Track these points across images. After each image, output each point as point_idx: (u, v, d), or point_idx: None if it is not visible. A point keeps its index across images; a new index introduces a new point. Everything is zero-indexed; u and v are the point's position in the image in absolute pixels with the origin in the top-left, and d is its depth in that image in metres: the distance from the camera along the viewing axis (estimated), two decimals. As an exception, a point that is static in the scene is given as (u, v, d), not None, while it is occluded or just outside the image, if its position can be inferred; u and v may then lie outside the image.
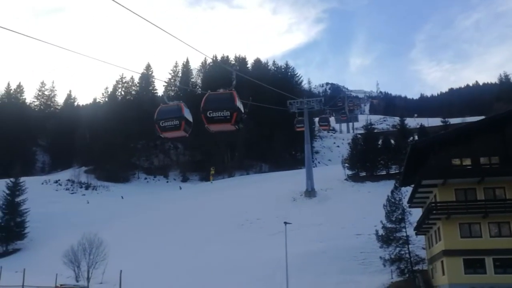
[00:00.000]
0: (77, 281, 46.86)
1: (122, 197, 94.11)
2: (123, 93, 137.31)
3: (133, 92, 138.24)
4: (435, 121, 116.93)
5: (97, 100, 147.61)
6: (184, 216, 72.66)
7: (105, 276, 46.85)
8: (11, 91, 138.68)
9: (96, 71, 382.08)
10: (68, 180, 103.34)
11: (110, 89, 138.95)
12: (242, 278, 44.89)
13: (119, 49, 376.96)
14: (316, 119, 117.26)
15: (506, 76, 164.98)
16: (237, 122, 14.81)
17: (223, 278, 45.64)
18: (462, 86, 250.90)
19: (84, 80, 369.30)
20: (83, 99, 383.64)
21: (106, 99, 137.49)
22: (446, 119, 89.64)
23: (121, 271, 43.61)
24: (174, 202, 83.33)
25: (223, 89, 15.20)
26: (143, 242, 62.21)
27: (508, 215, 34.21)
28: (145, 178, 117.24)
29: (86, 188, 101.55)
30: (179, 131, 15.49)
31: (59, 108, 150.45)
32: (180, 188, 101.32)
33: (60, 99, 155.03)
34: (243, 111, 15.20)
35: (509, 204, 34.63)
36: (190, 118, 15.70)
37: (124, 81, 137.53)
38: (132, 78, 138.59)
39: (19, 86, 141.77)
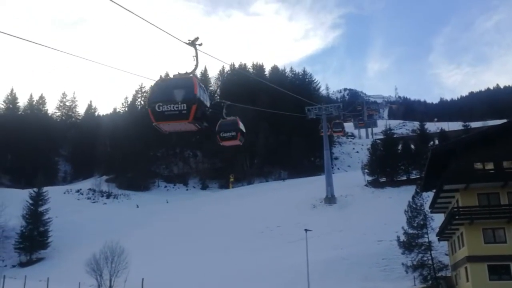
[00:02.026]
0: (100, 289, 47.29)
1: (137, 206, 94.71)
2: (142, 102, 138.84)
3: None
4: (456, 125, 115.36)
5: (117, 110, 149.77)
6: (204, 223, 72.92)
7: (127, 285, 47.15)
8: (34, 103, 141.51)
9: (116, 81, 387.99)
10: (90, 189, 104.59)
11: (130, 99, 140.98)
12: (263, 285, 44.79)
13: (138, 59, 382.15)
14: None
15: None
16: (198, 118, 11.85)
17: (244, 285, 45.58)
18: (483, 89, 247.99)
19: (104, 91, 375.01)
20: (103, 109, 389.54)
21: (126, 109, 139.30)
22: (467, 123, 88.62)
23: (143, 279, 43.96)
24: (194, 210, 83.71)
25: (179, 73, 12.21)
26: (164, 250, 62.58)
27: (533, 219, 33.55)
28: (165, 186, 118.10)
29: (107, 197, 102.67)
30: (236, 140, 19.20)
31: (80, 118, 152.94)
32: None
33: (81, 110, 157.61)
34: (207, 104, 12.27)
35: (534, 209, 33.97)
36: (243, 129, 19.40)
37: (143, 90, 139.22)
38: (151, 87, 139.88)
39: (41, 97, 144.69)
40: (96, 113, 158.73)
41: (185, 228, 71.73)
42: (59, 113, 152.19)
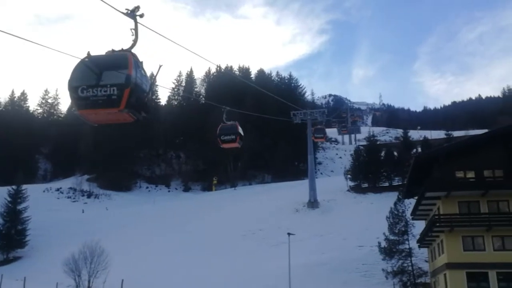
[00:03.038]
0: (78, 290, 46.62)
1: (106, 209, 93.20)
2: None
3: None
4: (438, 134, 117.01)
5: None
6: (185, 226, 72.44)
7: (106, 286, 46.59)
8: (15, 99, 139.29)
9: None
10: (70, 188, 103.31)
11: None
12: (243, 289, 44.65)
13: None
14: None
15: (510, 89, 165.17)
16: (133, 107, 9.60)
17: (225, 288, 45.39)
18: (465, 99, 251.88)
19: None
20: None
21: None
22: (450, 132, 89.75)
23: (122, 280, 43.46)
24: (176, 212, 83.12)
25: (113, 50, 9.96)
26: (145, 251, 61.96)
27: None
28: (147, 187, 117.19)
29: (88, 197, 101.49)
30: (235, 143, 20.18)
31: (62, 116, 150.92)
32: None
33: (63, 107, 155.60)
34: (146, 90, 10.03)
35: (513, 218, 34.50)
36: (242, 133, 20.35)
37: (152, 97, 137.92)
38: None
39: (23, 93, 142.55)
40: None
41: (166, 230, 71.14)
42: (40, 110, 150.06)
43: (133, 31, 9.83)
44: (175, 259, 57.42)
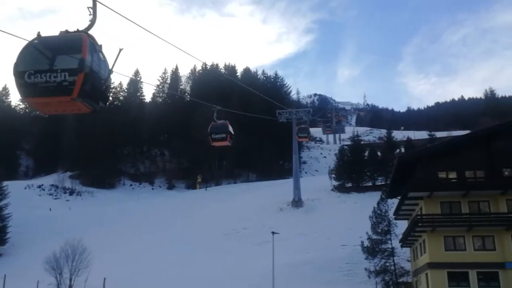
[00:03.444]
0: (59, 288, 46.12)
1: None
2: (111, 98, 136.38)
3: (121, 98, 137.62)
4: (422, 134, 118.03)
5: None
6: (169, 224, 72.13)
7: (88, 284, 46.15)
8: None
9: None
10: (52, 185, 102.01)
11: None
12: (228, 287, 44.62)
13: (107, 54, 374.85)
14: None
15: (492, 91, 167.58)
16: (88, 95, 8.55)
17: (208, 287, 45.30)
18: (448, 100, 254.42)
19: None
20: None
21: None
22: (433, 133, 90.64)
23: (104, 278, 43.10)
24: (159, 210, 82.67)
25: (67, 31, 8.88)
26: (128, 249, 61.53)
27: (492, 228, 34.63)
28: (131, 185, 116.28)
29: (70, 194, 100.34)
30: (226, 141, 20.70)
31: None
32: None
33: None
34: (103, 76, 9.04)
35: (493, 218, 35.11)
36: (232, 131, 20.79)
37: (112, 86, 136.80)
38: (120, 83, 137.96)
39: (4, 88, 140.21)
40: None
41: (149, 228, 70.73)
42: (23, 106, 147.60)
43: (91, 10, 8.76)
44: (157, 257, 57.10)
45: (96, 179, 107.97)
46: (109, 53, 9.15)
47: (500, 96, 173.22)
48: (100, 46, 9.05)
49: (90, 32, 8.85)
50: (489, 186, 35.55)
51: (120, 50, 9.08)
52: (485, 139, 37.74)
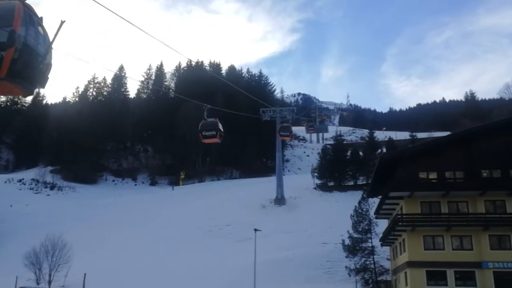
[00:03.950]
0: (38, 283, 45.72)
1: (173, 189, 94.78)
2: (94, 93, 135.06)
3: (104, 93, 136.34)
4: (403, 135, 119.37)
5: (67, 100, 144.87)
6: (152, 220, 71.83)
7: (67, 280, 45.85)
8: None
9: (68, 70, 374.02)
10: (33, 179, 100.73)
11: (81, 89, 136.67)
12: (209, 284, 44.74)
13: (92, 49, 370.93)
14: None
15: (472, 94, 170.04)
16: (21, 75, 7.29)
17: (190, 283, 45.34)
18: (430, 101, 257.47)
19: (54, 78, 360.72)
20: (52, 97, 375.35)
21: (77, 99, 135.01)
22: (414, 133, 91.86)
23: (85, 274, 42.82)
24: (142, 206, 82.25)
25: None
26: (109, 245, 61.16)
27: (470, 228, 35.33)
28: (113, 180, 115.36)
29: (51, 188, 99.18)
30: (215, 138, 21.44)
31: (26, 105, 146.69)
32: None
33: (28, 97, 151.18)
34: (41, 54, 7.67)
35: (471, 218, 35.81)
36: (222, 129, 21.51)
37: (96, 81, 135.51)
38: (104, 78, 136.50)
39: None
40: (44, 101, 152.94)
41: (132, 224, 70.39)
42: (3, 99, 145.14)
43: None
44: (139, 253, 56.92)
45: (78, 174, 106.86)
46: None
47: (480, 98, 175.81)
48: (41, 18, 7.92)
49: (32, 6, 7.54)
50: (468, 187, 36.26)
51: (62, 22, 7.83)
52: (465, 141, 38.44)
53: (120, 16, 10.09)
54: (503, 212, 35.77)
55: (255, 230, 42.99)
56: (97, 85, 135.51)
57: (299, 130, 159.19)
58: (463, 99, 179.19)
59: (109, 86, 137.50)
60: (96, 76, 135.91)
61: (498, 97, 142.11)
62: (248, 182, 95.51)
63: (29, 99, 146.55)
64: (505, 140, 37.31)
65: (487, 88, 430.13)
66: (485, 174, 37.26)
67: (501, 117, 57.45)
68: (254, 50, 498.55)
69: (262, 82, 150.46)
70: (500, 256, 34.33)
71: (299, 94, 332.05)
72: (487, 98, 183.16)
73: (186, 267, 50.08)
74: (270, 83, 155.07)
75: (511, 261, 34.11)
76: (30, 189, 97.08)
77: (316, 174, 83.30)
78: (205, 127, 21.64)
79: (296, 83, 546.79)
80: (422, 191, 36.86)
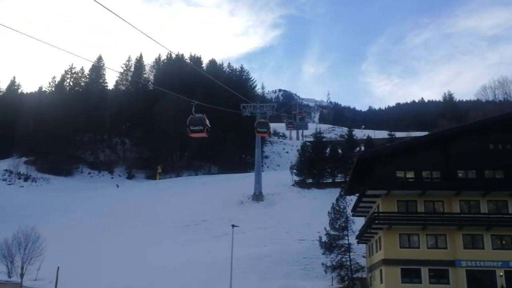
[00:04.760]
0: (10, 277, 44.73)
1: (117, 186, 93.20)
2: (71, 83, 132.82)
3: (82, 84, 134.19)
4: (382, 134, 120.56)
5: (43, 89, 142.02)
6: (128, 214, 71.04)
7: (40, 273, 45.02)
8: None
9: (44, 58, 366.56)
10: (6, 170, 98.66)
11: (58, 79, 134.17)
12: (185, 279, 44.47)
13: (70, 38, 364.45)
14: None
15: (450, 95, 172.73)
16: None
17: (166, 278, 44.99)
18: (409, 101, 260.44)
19: (30, 67, 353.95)
20: (28, 86, 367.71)
21: (53, 89, 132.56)
22: (392, 132, 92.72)
23: (58, 267, 42.03)
24: (118, 200, 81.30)
25: None
26: (84, 239, 60.25)
27: (445, 227, 35.84)
28: (89, 173, 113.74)
29: (25, 180, 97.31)
30: (203, 133, 22.23)
31: (1, 94, 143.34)
32: (117, 186, 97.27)
33: (2, 85, 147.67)
34: None
35: (446, 218, 36.32)
36: (209, 124, 22.41)
37: (73, 71, 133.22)
38: (82, 69, 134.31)
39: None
40: (20, 90, 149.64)
41: (107, 218, 69.48)
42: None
43: None
44: (114, 247, 56.23)
45: (53, 166, 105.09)
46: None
47: (458, 99, 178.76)
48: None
49: None
50: (444, 187, 36.77)
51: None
52: (442, 141, 38.93)
53: (100, 4, 9.78)
54: (477, 212, 36.40)
55: (233, 226, 42.86)
56: (74, 75, 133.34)
57: (279, 127, 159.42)
58: (441, 100, 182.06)
59: (87, 76, 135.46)
60: (73, 66, 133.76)
61: (475, 99, 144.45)
62: (226, 178, 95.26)
63: (3, 87, 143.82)
64: (481, 141, 37.94)
65: (465, 89, 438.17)
66: (460, 175, 37.80)
67: (478, 118, 58.40)
68: (236, 45, 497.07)
69: (243, 77, 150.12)
70: (472, 255, 34.94)
71: (280, 90, 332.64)
72: (464, 100, 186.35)
73: (162, 262, 49.64)
74: (251, 79, 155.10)
75: (483, 260, 34.75)
76: (3, 180, 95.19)
77: (295, 171, 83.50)
78: (192, 122, 22.36)
79: (277, 79, 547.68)
80: (399, 190, 37.21)
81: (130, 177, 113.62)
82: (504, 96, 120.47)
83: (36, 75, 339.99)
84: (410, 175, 38.19)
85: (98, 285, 43.74)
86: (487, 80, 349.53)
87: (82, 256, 52.59)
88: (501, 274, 34.24)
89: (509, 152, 37.65)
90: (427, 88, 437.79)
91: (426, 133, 75.02)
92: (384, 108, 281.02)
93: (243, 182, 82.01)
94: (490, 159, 37.33)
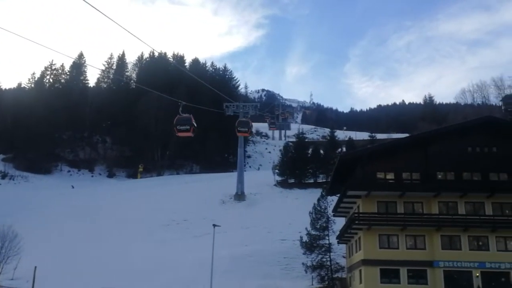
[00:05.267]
0: (-15, 276, 43.82)
1: (72, 187, 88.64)
2: (51, 80, 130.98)
3: (62, 81, 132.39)
4: (363, 135, 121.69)
5: (22, 85, 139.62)
6: (108, 213, 70.31)
7: (17, 272, 44.22)
8: None
9: (24, 54, 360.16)
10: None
11: (37, 75, 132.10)
12: (165, 278, 44.18)
13: (51, 33, 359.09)
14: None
15: (430, 97, 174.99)
16: None
17: (145, 278, 44.64)
18: (390, 103, 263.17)
19: (9, 63, 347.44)
20: (6, 82, 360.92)
21: (33, 85, 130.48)
22: (373, 134, 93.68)
23: (35, 267, 41.37)
24: (98, 198, 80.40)
25: None
26: (63, 237, 59.44)
27: (424, 228, 36.26)
28: (69, 171, 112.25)
29: (3, 178, 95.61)
30: (189, 132, 23.33)
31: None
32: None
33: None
34: None
35: (425, 219, 36.75)
36: (195, 124, 23.39)
37: (53, 68, 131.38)
38: (62, 65, 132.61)
39: None
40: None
41: (87, 216, 68.58)
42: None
43: None
44: (94, 246, 55.60)
45: (32, 164, 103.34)
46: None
47: (438, 102, 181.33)
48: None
49: None
50: (424, 188, 37.19)
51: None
52: (422, 143, 39.40)
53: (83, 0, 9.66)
54: (455, 213, 36.92)
55: (214, 225, 42.72)
56: (54, 71, 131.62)
57: (262, 127, 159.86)
58: (421, 102, 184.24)
59: (67, 73, 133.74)
60: (53, 63, 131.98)
61: (455, 102, 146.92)
62: (208, 177, 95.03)
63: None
64: (459, 144, 38.52)
65: (445, 92, 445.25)
66: (440, 176, 38.29)
67: (457, 121, 59.33)
68: (219, 44, 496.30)
69: (227, 76, 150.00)
70: (450, 255, 35.43)
71: (263, 90, 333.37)
72: (444, 102, 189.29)
73: (141, 261, 49.26)
74: (235, 78, 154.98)
75: (460, 261, 35.26)
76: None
77: (277, 171, 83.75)
78: (179, 122, 23.30)
79: (260, 79, 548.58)
80: (379, 190, 37.55)
81: (110, 175, 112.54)
82: (483, 100, 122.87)
83: (15, 71, 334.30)
84: (390, 176, 38.57)
85: (76, 285, 43.16)
86: (467, 84, 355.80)
87: (60, 255, 51.84)
88: (477, 274, 34.80)
89: (486, 154, 38.26)
90: (408, 90, 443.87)
91: (407, 135, 76.14)
92: (365, 110, 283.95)
93: (225, 181, 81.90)
94: (468, 162, 37.91)
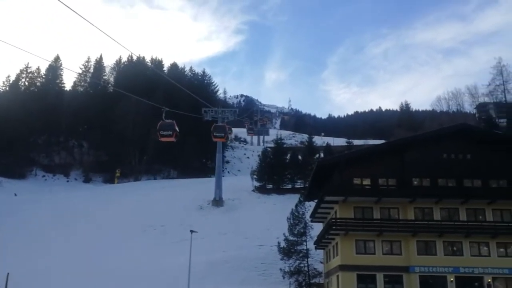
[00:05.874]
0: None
1: (15, 194, 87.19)
2: (27, 83, 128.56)
3: (38, 84, 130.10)
4: (340, 141, 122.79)
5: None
6: (83, 218, 69.11)
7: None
8: None
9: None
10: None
11: (12, 78, 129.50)
12: (142, 285, 43.67)
13: (26, 35, 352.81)
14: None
15: (407, 104, 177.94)
16: None
17: (121, 284, 44.03)
18: (367, 110, 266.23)
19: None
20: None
21: (7, 88, 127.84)
22: (350, 140, 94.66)
23: (8, 273, 40.41)
24: (74, 203, 79.01)
25: None
26: (37, 243, 58.21)
27: (400, 234, 36.76)
28: (43, 176, 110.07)
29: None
30: (172, 138, 23.94)
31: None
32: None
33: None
34: None
35: (401, 224, 37.27)
36: (178, 129, 24.04)
37: (29, 70, 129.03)
38: (38, 68, 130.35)
39: None
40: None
41: (61, 222, 67.35)
42: None
43: None
44: (69, 253, 54.61)
45: (5, 168, 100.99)
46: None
47: (414, 109, 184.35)
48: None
49: None
50: (399, 194, 37.78)
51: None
52: (398, 150, 40.06)
53: (60, 1, 9.52)
54: (431, 219, 37.53)
55: (191, 231, 42.49)
56: (30, 74, 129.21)
57: (241, 132, 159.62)
58: (398, 109, 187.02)
59: (43, 76, 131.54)
60: (29, 65, 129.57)
61: (431, 109, 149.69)
62: (186, 183, 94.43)
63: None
64: (435, 150, 39.26)
65: (421, 99, 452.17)
66: (415, 183, 38.90)
67: (432, 128, 60.37)
68: (198, 49, 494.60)
69: (205, 81, 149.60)
70: (425, 261, 36.00)
71: (241, 95, 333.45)
72: (420, 109, 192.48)
73: (118, 268, 48.59)
74: (213, 83, 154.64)
75: (435, 266, 35.85)
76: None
77: (255, 176, 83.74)
78: (162, 127, 23.75)
79: (239, 85, 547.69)
80: (355, 196, 37.96)
81: (87, 180, 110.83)
82: (457, 107, 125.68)
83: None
84: (367, 182, 39.04)
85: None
86: (442, 91, 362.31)
87: (33, 262, 50.81)
88: (452, 279, 35.41)
89: (461, 161, 39.05)
90: (385, 97, 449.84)
91: (383, 141, 77.13)
92: (343, 116, 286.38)
93: (203, 187, 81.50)
94: (443, 168, 38.64)
